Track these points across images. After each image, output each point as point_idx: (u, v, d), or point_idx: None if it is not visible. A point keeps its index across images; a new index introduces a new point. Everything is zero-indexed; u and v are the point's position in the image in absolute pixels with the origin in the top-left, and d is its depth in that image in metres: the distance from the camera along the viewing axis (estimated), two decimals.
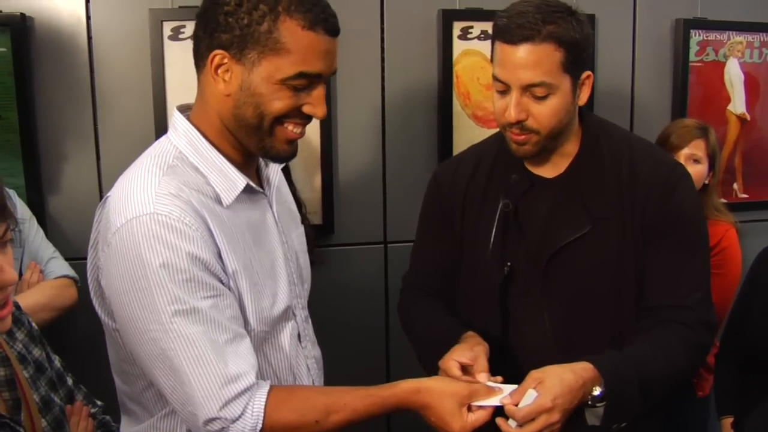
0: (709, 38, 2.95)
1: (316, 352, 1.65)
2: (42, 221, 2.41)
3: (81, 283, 2.26)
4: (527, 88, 1.59)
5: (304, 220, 1.83)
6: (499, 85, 1.64)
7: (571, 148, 1.73)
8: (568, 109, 1.64)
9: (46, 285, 2.20)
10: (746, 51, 3.01)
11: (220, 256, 1.35)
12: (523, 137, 1.64)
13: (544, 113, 1.61)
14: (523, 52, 1.57)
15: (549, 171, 1.75)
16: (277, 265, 1.51)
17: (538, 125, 1.62)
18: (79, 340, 2.36)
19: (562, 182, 1.72)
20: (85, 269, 2.18)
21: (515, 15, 1.58)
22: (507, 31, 1.58)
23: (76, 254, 2.38)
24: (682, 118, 2.81)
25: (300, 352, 1.57)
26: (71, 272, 2.28)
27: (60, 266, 2.28)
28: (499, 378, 1.52)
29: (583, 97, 1.68)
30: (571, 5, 1.63)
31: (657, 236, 1.66)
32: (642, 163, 1.70)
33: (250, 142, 1.41)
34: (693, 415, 2.65)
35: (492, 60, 1.67)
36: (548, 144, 1.67)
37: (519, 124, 1.62)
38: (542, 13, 1.57)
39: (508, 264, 1.72)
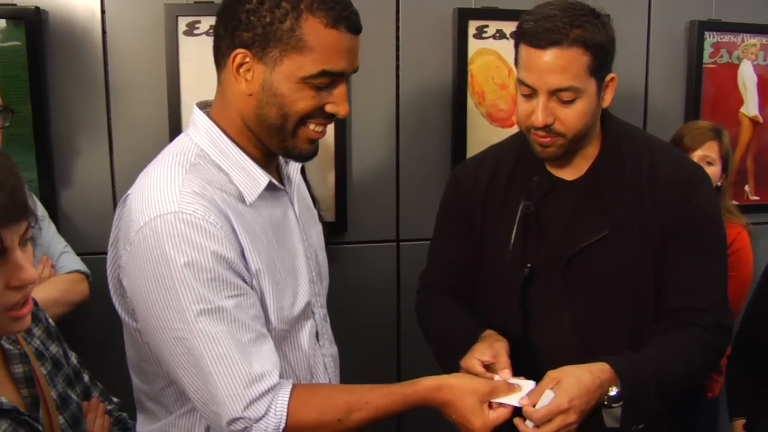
0: (723, 40, 2.94)
1: (333, 350, 1.65)
2: (54, 215, 2.40)
3: (92, 278, 2.25)
4: (554, 93, 1.59)
5: (319, 217, 1.83)
6: (525, 89, 1.63)
7: (592, 150, 1.73)
8: (593, 112, 1.64)
9: (57, 280, 2.19)
10: (760, 53, 3.00)
11: (243, 255, 1.34)
12: (548, 140, 1.64)
13: (571, 117, 1.61)
14: (550, 56, 1.56)
15: (570, 173, 1.75)
16: (298, 264, 1.51)
17: (564, 129, 1.62)
18: (91, 336, 2.37)
19: (583, 184, 1.73)
20: (96, 264, 2.20)
21: (542, 19, 1.57)
22: (534, 35, 1.58)
23: (87, 249, 2.39)
24: (696, 120, 2.82)
25: (318, 351, 1.56)
26: (83, 267, 2.27)
27: (71, 261, 2.27)
28: (521, 377, 1.52)
29: (607, 99, 1.68)
30: (595, 7, 1.62)
31: (676, 238, 1.66)
32: (662, 165, 1.70)
33: (272, 142, 1.40)
34: (703, 416, 2.65)
35: (516, 63, 1.67)
36: (572, 146, 1.67)
37: (546, 127, 1.62)
38: (569, 17, 1.56)
39: (529, 265, 1.72)
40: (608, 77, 1.65)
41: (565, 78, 1.57)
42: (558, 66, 1.56)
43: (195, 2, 2.44)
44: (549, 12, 1.58)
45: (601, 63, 1.60)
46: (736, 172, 2.91)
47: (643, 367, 1.56)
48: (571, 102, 1.59)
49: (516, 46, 1.66)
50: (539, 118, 1.60)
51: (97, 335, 2.33)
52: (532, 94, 1.62)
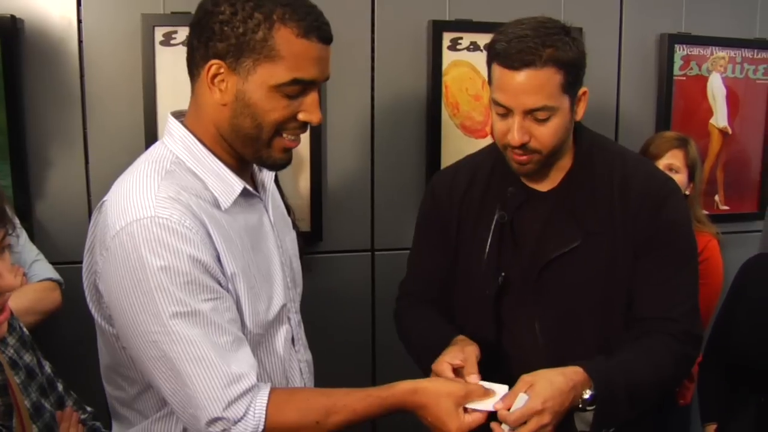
0: (692, 53, 3.00)
1: (308, 355, 1.67)
2: (29, 225, 2.39)
3: (66, 287, 2.24)
4: (529, 112, 1.61)
5: (294, 227, 1.84)
6: (499, 108, 1.65)
7: (565, 162, 1.75)
8: (567, 127, 1.67)
9: (29, 288, 2.17)
10: (728, 66, 3.07)
11: (219, 260, 1.36)
12: (525, 158, 1.66)
13: (546, 134, 1.63)
14: (524, 77, 1.58)
15: (543, 185, 1.77)
16: (273, 269, 1.52)
17: (540, 146, 1.64)
18: (63, 344, 2.35)
19: (556, 196, 1.75)
20: (72, 274, 2.19)
21: (514, 39, 1.58)
22: (507, 56, 1.59)
23: (62, 258, 2.37)
24: (664, 131, 2.87)
25: (293, 356, 1.58)
26: (55, 275, 2.25)
27: (44, 269, 2.25)
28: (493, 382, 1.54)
29: (580, 113, 1.70)
30: (564, 23, 1.64)
31: (647, 249, 1.69)
32: (634, 177, 1.73)
33: (246, 152, 1.42)
34: (675, 423, 2.68)
35: (489, 83, 1.68)
36: (548, 161, 1.70)
37: (522, 146, 1.64)
38: (541, 37, 1.57)
39: (503, 274, 1.74)
40: (580, 91, 1.67)
41: (540, 98, 1.59)
42: (532, 87, 1.58)
43: (172, 12, 2.45)
44: (520, 32, 1.59)
45: (573, 80, 1.62)
46: (706, 182, 2.96)
47: (616, 371, 1.58)
48: (546, 120, 1.61)
49: (488, 65, 1.67)
50: (515, 138, 1.62)
51: (70, 344, 2.32)
52: (507, 113, 1.64)
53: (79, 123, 2.46)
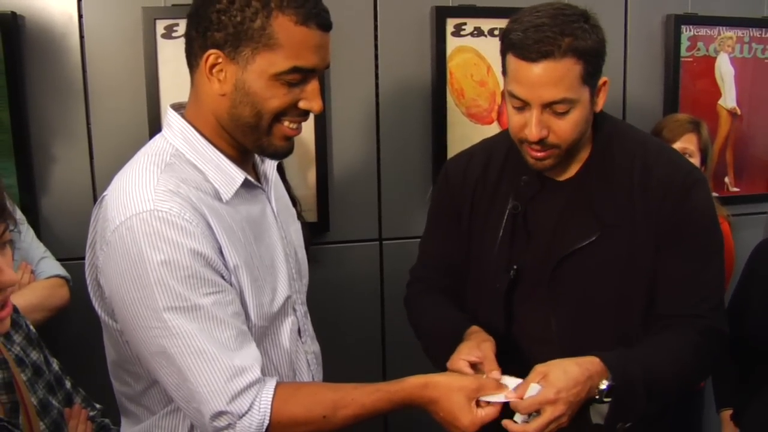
0: (699, 33, 2.97)
1: (315, 347, 1.65)
2: (35, 221, 2.39)
3: (73, 283, 2.24)
4: (548, 105, 1.53)
5: (300, 217, 1.83)
6: (516, 101, 1.57)
7: (583, 152, 1.68)
8: (587, 119, 1.59)
9: (37, 285, 2.18)
10: (736, 46, 3.03)
11: (221, 252, 1.35)
12: (543, 154, 1.59)
13: (565, 129, 1.56)
14: (543, 69, 1.50)
15: (560, 174, 1.70)
16: (277, 260, 1.51)
17: (558, 140, 1.57)
18: (72, 341, 2.36)
19: (572, 186, 1.68)
20: (78, 270, 2.18)
21: (531, 29, 1.50)
22: (523, 47, 1.51)
23: (68, 255, 2.37)
24: (675, 113, 2.84)
25: (300, 347, 1.57)
26: (63, 272, 2.26)
27: (51, 266, 2.26)
28: (512, 376, 1.50)
29: (600, 104, 1.63)
30: (584, 8, 1.56)
31: (670, 242, 1.62)
32: (656, 166, 1.65)
33: (247, 141, 1.41)
34: (689, 407, 2.67)
35: (504, 73, 1.62)
36: (566, 154, 1.63)
37: (540, 141, 1.57)
38: (559, 25, 1.49)
39: (515, 267, 1.69)
40: (601, 81, 1.59)
41: (559, 90, 1.51)
42: (551, 79, 1.50)
43: (173, 5, 2.44)
44: (537, 21, 1.51)
45: (593, 70, 1.54)
46: (715, 164, 2.94)
47: (634, 363, 1.52)
48: (565, 113, 1.54)
49: (502, 55, 1.60)
50: (533, 132, 1.55)
51: (78, 340, 2.32)
52: (523, 106, 1.56)
53: (82, 118, 2.46)
